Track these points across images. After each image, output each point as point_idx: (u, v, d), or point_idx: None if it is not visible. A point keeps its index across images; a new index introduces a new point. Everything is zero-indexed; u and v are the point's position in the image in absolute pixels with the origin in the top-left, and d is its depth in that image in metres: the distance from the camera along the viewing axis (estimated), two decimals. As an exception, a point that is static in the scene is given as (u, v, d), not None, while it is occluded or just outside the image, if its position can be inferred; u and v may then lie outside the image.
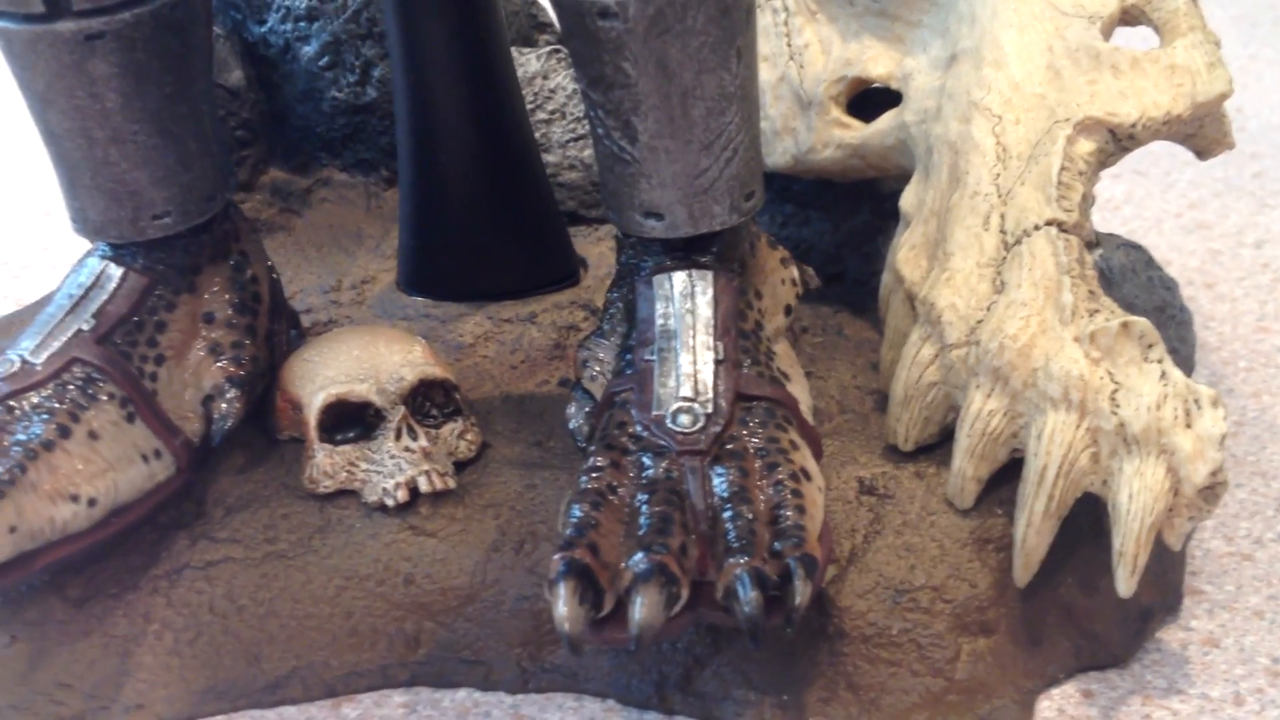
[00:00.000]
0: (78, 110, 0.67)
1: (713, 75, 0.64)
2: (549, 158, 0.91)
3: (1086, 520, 0.67)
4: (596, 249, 0.90)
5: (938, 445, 0.71)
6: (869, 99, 0.82)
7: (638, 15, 0.62)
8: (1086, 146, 0.69)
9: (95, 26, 0.64)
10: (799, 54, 0.83)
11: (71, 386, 0.67)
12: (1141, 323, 0.63)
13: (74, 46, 0.65)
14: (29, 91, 0.67)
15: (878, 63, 0.80)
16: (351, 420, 0.72)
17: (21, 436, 0.65)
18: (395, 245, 0.89)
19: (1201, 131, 0.71)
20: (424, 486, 0.70)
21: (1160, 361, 0.62)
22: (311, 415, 0.72)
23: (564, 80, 0.92)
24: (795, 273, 0.74)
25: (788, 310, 0.74)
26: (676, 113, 0.65)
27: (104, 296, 0.70)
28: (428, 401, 0.73)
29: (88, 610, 0.68)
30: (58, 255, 1.16)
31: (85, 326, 0.69)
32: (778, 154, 0.83)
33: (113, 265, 0.71)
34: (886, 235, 0.84)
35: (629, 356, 0.68)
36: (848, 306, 0.84)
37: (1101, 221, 1.11)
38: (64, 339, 0.69)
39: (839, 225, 0.86)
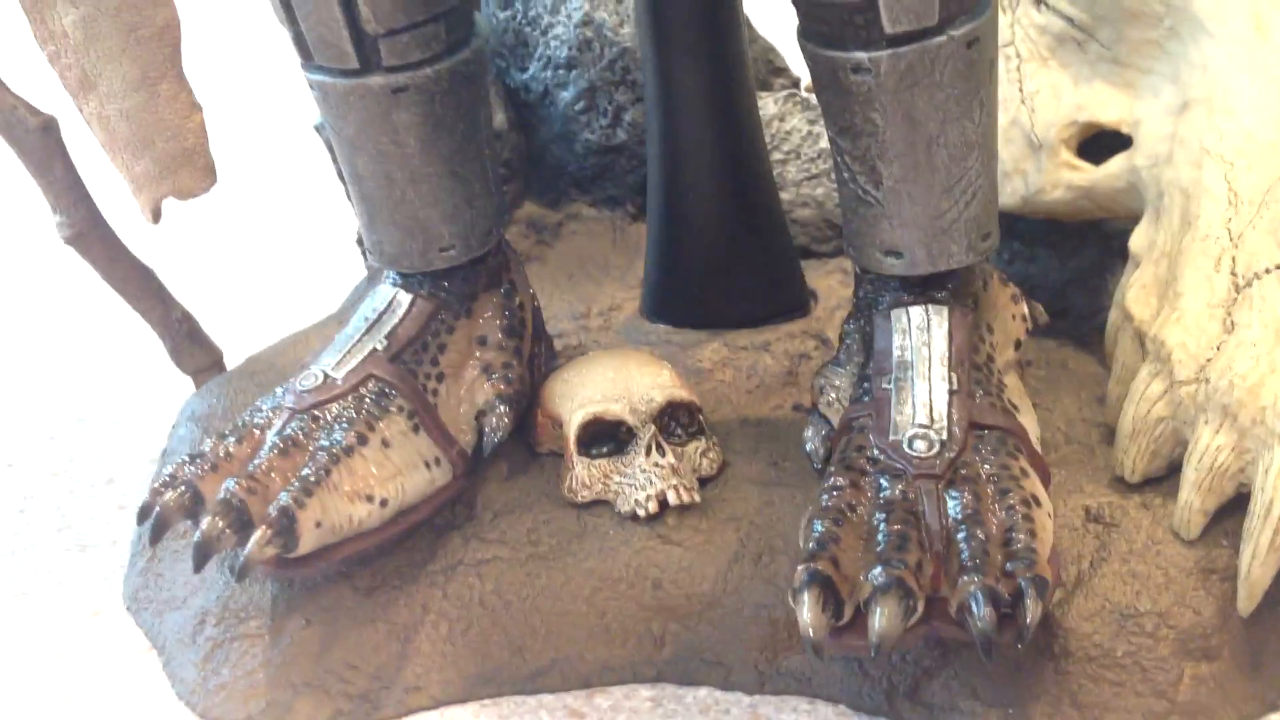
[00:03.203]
0: (382, 155, 0.75)
1: (956, 124, 0.69)
2: (784, 195, 0.96)
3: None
4: (826, 282, 0.95)
5: (1164, 478, 0.74)
6: (1097, 143, 0.85)
7: (889, 71, 0.67)
8: (1319, 193, 0.71)
9: (400, 81, 0.73)
10: (1030, 99, 0.86)
11: (367, 399, 0.76)
12: (1373, 365, 0.65)
13: (382, 98, 0.73)
14: (340, 137, 0.76)
15: (1109, 108, 0.83)
16: (606, 437, 0.79)
17: (325, 442, 0.74)
18: (639, 275, 0.96)
19: None
20: (672, 499, 0.76)
21: (1392, 403, 0.64)
22: (571, 431, 0.79)
23: (799, 122, 0.97)
24: (1025, 309, 0.78)
25: (1017, 344, 0.78)
26: (921, 159, 0.70)
27: (395, 320, 0.79)
28: (674, 421, 0.80)
29: (374, 599, 0.76)
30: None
31: (379, 346, 0.78)
32: (1007, 194, 0.87)
33: (403, 292, 0.80)
34: (1112, 272, 0.87)
35: (867, 385, 0.73)
36: (1073, 341, 0.87)
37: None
38: (361, 357, 0.77)
39: (1065, 262, 0.89)
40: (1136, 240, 0.79)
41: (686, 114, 0.89)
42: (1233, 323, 0.70)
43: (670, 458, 0.77)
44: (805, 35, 0.70)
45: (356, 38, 0.72)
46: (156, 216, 0.95)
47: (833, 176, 0.96)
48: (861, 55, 0.67)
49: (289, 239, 1.35)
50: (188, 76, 0.92)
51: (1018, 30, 0.87)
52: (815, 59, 0.70)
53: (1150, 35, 0.81)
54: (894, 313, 0.74)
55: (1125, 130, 0.83)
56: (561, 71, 1.00)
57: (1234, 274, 0.71)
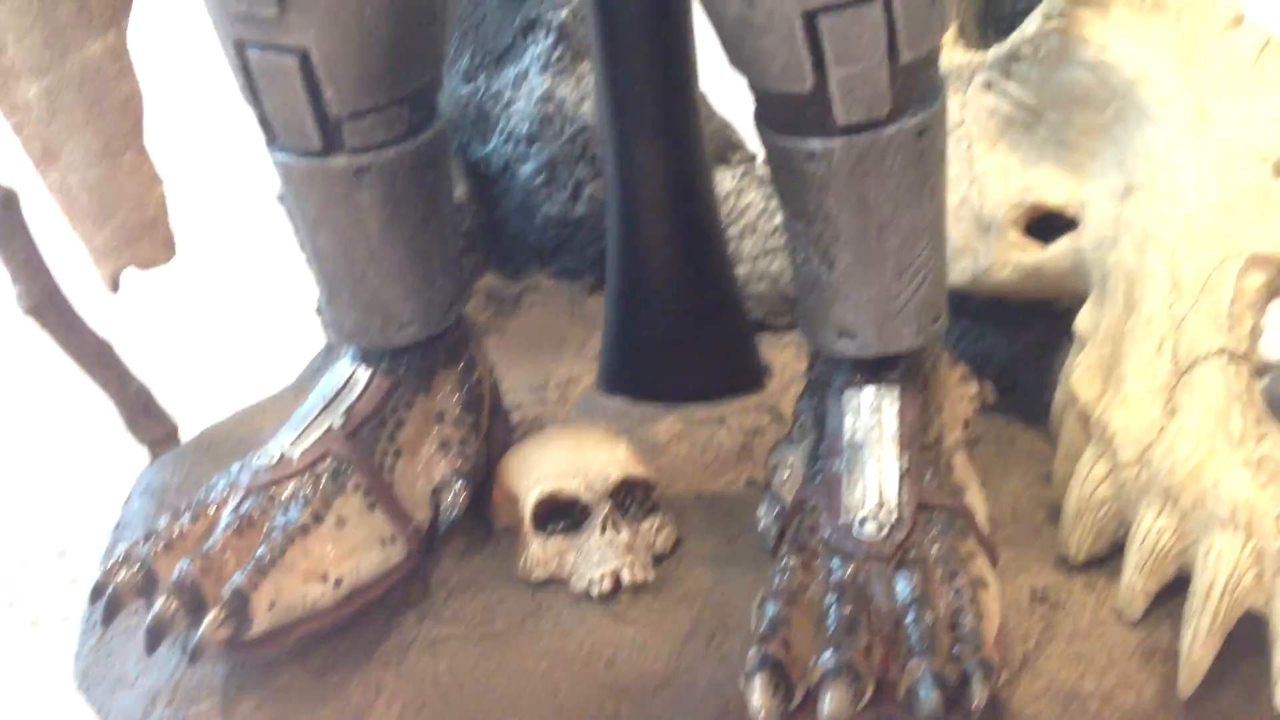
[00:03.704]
0: (343, 233, 0.76)
1: (907, 211, 0.71)
2: (740, 269, 0.98)
3: (1249, 636, 0.70)
4: (781, 356, 0.96)
5: (1108, 558, 0.75)
6: (1047, 222, 0.87)
7: (842, 159, 0.69)
8: (1256, 280, 0.73)
9: (363, 162, 0.74)
10: (980, 179, 0.88)
11: (323, 477, 0.76)
12: (1309, 452, 0.66)
13: (344, 179, 0.74)
14: (301, 215, 0.77)
15: (1056, 190, 0.85)
16: (562, 513, 0.79)
17: (280, 521, 0.74)
18: (597, 347, 0.97)
19: (1372, 267, 0.74)
20: (626, 578, 0.77)
21: (1327, 489, 0.66)
22: (527, 508, 0.79)
23: (756, 198, 0.99)
24: (973, 389, 0.80)
25: (966, 424, 0.79)
26: (873, 244, 0.71)
27: (353, 397, 0.79)
28: (629, 498, 0.80)
29: (326, 680, 0.76)
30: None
31: (337, 423, 0.78)
32: (957, 272, 0.89)
33: (361, 368, 0.80)
34: (1059, 351, 0.88)
35: (819, 465, 0.74)
36: (1021, 418, 0.89)
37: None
38: (318, 434, 0.78)
39: (1013, 340, 0.91)
40: (1082, 321, 0.80)
41: (643, 190, 0.90)
42: (1174, 407, 0.72)
43: (625, 535, 0.78)
44: (761, 120, 0.72)
45: (320, 119, 0.73)
46: (115, 286, 0.96)
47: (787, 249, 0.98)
48: (816, 143, 0.69)
49: (247, 308, 1.36)
50: (149, 148, 0.93)
51: (968, 112, 0.89)
52: (771, 145, 0.72)
53: (1096, 120, 0.83)
54: (846, 393, 0.75)
55: (1072, 212, 0.85)
56: (522, 146, 1.01)
57: (1175, 358, 0.73)
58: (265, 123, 0.74)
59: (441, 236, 0.79)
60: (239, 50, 0.71)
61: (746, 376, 0.94)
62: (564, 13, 0.99)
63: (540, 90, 1.00)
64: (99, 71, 0.90)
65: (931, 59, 0.69)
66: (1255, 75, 0.80)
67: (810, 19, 0.64)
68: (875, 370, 0.75)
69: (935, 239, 0.73)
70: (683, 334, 0.93)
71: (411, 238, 0.77)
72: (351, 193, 0.74)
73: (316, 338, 1.07)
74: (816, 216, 0.71)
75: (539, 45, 1.00)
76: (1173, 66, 0.81)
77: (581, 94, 0.99)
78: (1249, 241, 0.73)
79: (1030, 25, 0.85)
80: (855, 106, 0.67)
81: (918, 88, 0.68)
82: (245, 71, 0.72)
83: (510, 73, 1.02)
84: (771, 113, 0.70)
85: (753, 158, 1.04)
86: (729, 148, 1.03)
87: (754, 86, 0.70)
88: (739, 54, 0.68)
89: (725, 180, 1.00)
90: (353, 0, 0.69)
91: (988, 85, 0.88)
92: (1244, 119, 0.78)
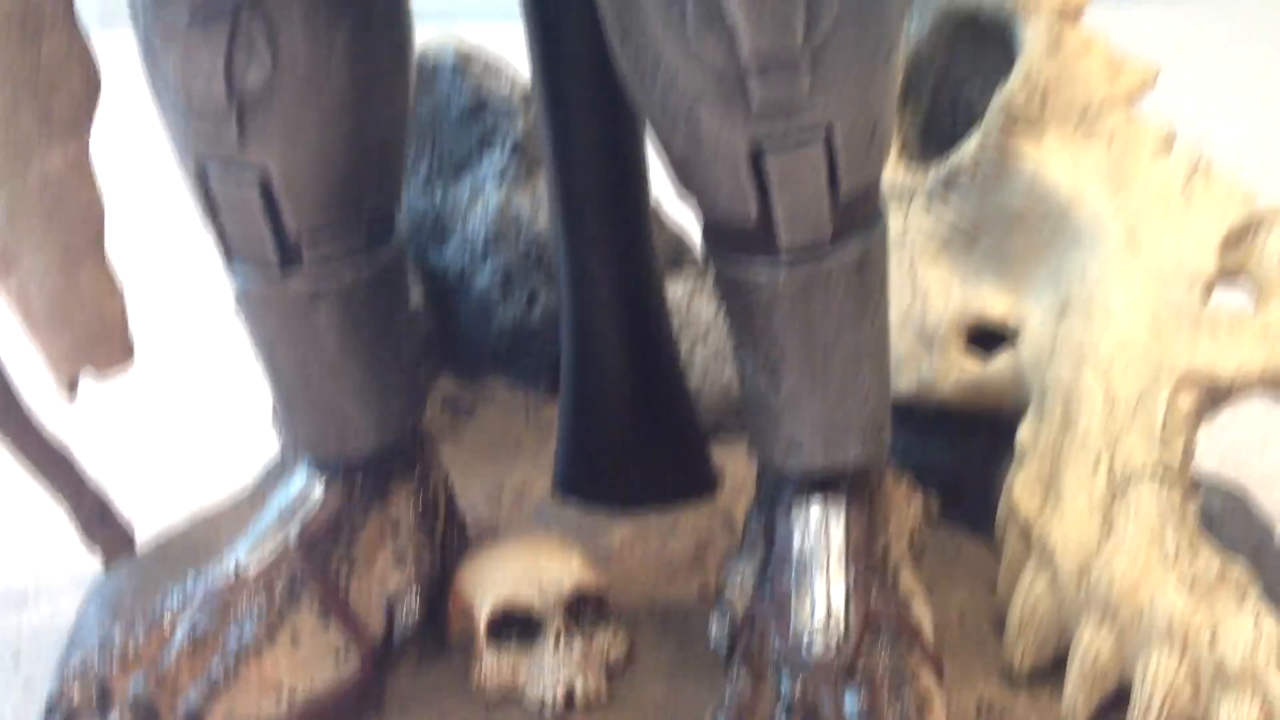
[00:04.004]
0: (300, 350, 0.77)
1: (850, 333, 0.73)
2: (692, 377, 1.00)
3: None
4: (733, 462, 0.98)
5: (1052, 671, 0.77)
6: (989, 334, 0.90)
7: (786, 284, 0.71)
8: (1188, 400, 0.76)
9: (320, 283, 0.75)
10: (923, 294, 0.91)
11: (278, 591, 0.77)
12: (1238, 570, 0.69)
13: (301, 299, 0.75)
14: (258, 333, 0.78)
15: (996, 305, 0.88)
16: (516, 623, 0.80)
17: (234, 635, 0.74)
18: (552, 453, 0.98)
19: (1296, 387, 0.77)
20: (579, 690, 0.78)
21: (1256, 606, 0.68)
22: (481, 620, 0.80)
23: (706, 307, 1.01)
24: (918, 502, 0.82)
25: (911, 536, 0.81)
26: (817, 365, 0.73)
27: (309, 509, 0.80)
28: (583, 608, 0.81)
29: (280, 791, 0.76)
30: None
31: (292, 535, 0.79)
32: (901, 384, 0.91)
33: (317, 479, 0.81)
34: (1004, 460, 0.90)
35: (768, 580, 0.76)
36: (966, 527, 0.91)
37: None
38: (273, 546, 0.78)
39: (958, 450, 0.93)
40: (1023, 435, 0.83)
41: (596, 299, 0.92)
42: (1111, 523, 0.74)
43: (578, 646, 0.79)
44: (708, 245, 0.74)
45: (278, 238, 0.74)
46: (73, 392, 0.96)
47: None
48: (761, 269, 0.71)
49: (203, 413, 1.36)
50: (110, 255, 0.94)
51: (910, 228, 0.92)
52: (718, 269, 0.74)
53: (1033, 240, 0.86)
54: (794, 508, 0.77)
55: (1012, 326, 0.87)
56: (479, 255, 1.03)
57: (1111, 476, 0.75)
58: (223, 240, 0.76)
59: (397, 351, 0.81)
60: (199, 168, 0.73)
61: (699, 483, 0.96)
62: (520, 128, 1.02)
63: (496, 202, 1.02)
64: (60, 181, 0.91)
65: (872, 189, 0.72)
66: (1184, 199, 0.83)
67: (754, 153, 0.67)
68: (822, 485, 0.77)
69: (878, 359, 0.75)
70: (636, 441, 0.95)
71: (368, 353, 0.79)
72: (308, 313, 0.76)
73: (273, 441, 1.08)
74: (763, 338, 0.73)
75: (496, 158, 1.03)
76: (1105, 190, 0.84)
77: (536, 206, 1.01)
78: (1180, 361, 0.76)
79: (968, 148, 0.88)
80: (798, 233, 0.69)
81: (859, 215, 0.71)
82: (205, 189, 0.73)
83: (467, 184, 1.05)
84: (718, 238, 0.73)
85: (704, 267, 1.06)
86: (681, 257, 1.06)
87: (701, 212, 0.73)
88: (687, 182, 0.71)
89: (677, 289, 1.02)
90: (313, 123, 0.71)
91: (929, 204, 0.91)
92: (1174, 242, 0.81)
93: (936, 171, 0.91)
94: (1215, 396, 0.76)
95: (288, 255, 0.75)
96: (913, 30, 0.97)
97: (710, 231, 0.73)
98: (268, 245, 0.74)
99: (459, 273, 1.05)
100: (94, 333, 0.94)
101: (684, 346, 1.01)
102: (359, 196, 0.75)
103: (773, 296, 0.71)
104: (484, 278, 1.03)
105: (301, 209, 0.73)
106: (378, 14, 0.73)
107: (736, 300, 0.73)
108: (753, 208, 0.69)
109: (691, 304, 1.02)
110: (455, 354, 1.08)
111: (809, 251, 0.70)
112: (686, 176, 0.71)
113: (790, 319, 0.72)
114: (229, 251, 0.76)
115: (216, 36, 0.67)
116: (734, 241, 0.72)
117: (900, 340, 0.91)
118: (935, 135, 0.98)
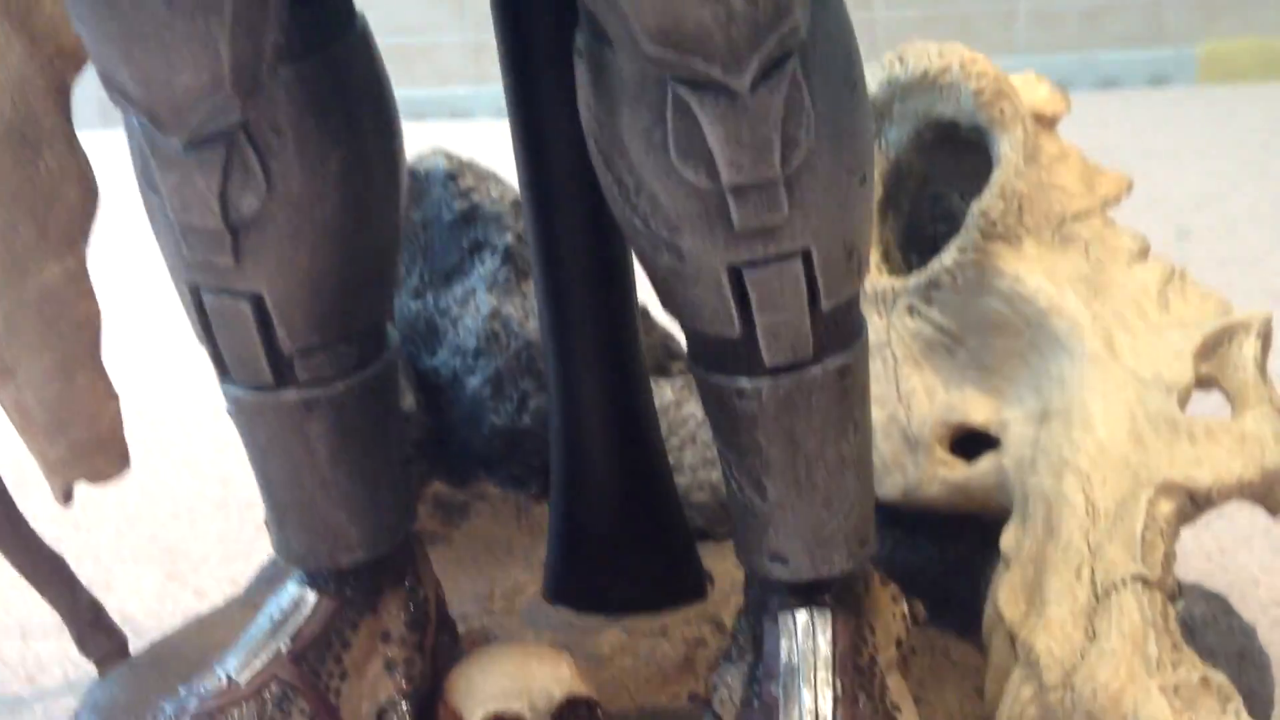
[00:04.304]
0: (292, 461, 0.79)
1: (834, 444, 0.74)
2: (681, 479, 1.01)
3: None
4: (722, 564, 0.99)
5: (1038, 778, 0.77)
6: (973, 438, 0.91)
7: (769, 398, 0.72)
8: (1167, 507, 0.77)
9: (313, 396, 0.77)
10: (906, 398, 0.93)
11: (269, 703, 0.77)
12: (1220, 678, 0.70)
13: (294, 412, 0.77)
14: (252, 445, 0.79)
15: (978, 410, 0.90)
16: (506, 733, 0.81)
17: (227, 749, 0.75)
18: (543, 556, 0.99)
19: (1272, 494, 0.78)
20: (569, 800, 0.78)
21: (1237, 715, 0.69)
22: (472, 729, 0.81)
23: (694, 409, 1.03)
24: (904, 608, 0.83)
25: (899, 643, 0.82)
26: (801, 476, 0.75)
27: (300, 620, 0.81)
28: (573, 716, 0.82)
29: None
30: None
31: (284, 647, 0.80)
32: (887, 487, 0.92)
33: (309, 591, 0.82)
34: (990, 562, 0.91)
35: (756, 688, 0.76)
36: (955, 629, 0.92)
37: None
38: (265, 658, 0.79)
39: (945, 552, 0.94)
40: (1006, 540, 0.84)
41: (586, 403, 0.93)
42: (1094, 631, 0.75)
43: (568, 756, 0.79)
44: (693, 359, 0.76)
45: (272, 357, 0.76)
46: (68, 499, 0.97)
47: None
48: (744, 383, 0.72)
49: (197, 518, 1.37)
50: (105, 363, 0.96)
51: (893, 334, 0.94)
52: (702, 382, 0.75)
53: (1013, 346, 0.88)
54: (781, 617, 0.78)
55: (994, 431, 0.89)
56: (470, 359, 1.05)
57: (1094, 584, 0.76)
58: (218, 359, 0.77)
59: (389, 461, 0.82)
60: (194, 294, 0.75)
61: (688, 586, 0.97)
62: (509, 236, 1.04)
63: (487, 308, 1.04)
64: (58, 293, 0.93)
65: (851, 304, 0.73)
66: (1159, 307, 0.85)
67: (735, 274, 0.68)
68: (808, 594, 0.78)
69: (861, 469, 0.77)
70: (625, 544, 0.95)
71: (360, 465, 0.80)
72: (301, 425, 0.77)
73: (267, 545, 1.09)
74: (747, 450, 0.75)
75: (486, 265, 1.05)
76: (1083, 298, 0.86)
77: (526, 311, 1.03)
78: (1159, 470, 0.78)
79: (948, 256, 0.90)
80: (780, 350, 0.71)
81: (839, 331, 0.73)
82: (200, 312, 0.75)
83: (458, 290, 1.07)
84: (702, 353, 0.74)
85: (690, 380, 1.08)
86: (668, 359, 1.08)
87: (685, 328, 0.74)
88: (670, 301, 0.72)
89: (665, 392, 1.04)
90: (305, 247, 0.73)
91: (911, 309, 0.93)
92: (1150, 350, 0.83)
93: (918, 278, 0.93)
94: (1194, 504, 0.77)
95: (281, 372, 0.76)
96: (893, 139, 0.99)
97: (694, 348, 0.75)
98: (261, 363, 0.76)
99: (450, 376, 1.06)
100: (90, 440, 0.95)
101: (672, 449, 1.02)
102: (352, 313, 0.77)
103: (756, 410, 0.73)
104: (475, 381, 1.05)
105: (294, 328, 0.75)
106: (370, 135, 0.75)
107: (721, 413, 0.75)
108: (735, 327, 0.71)
109: (679, 407, 1.03)
110: (446, 456, 1.09)
111: (791, 368, 0.71)
112: (670, 295, 0.72)
113: (774, 432, 0.73)
114: (222, 368, 0.78)
115: (212, 163, 0.69)
116: (718, 358, 0.73)
117: (885, 444, 0.92)
118: (917, 241, 1.00)
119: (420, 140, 1.07)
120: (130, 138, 0.73)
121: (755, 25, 0.62)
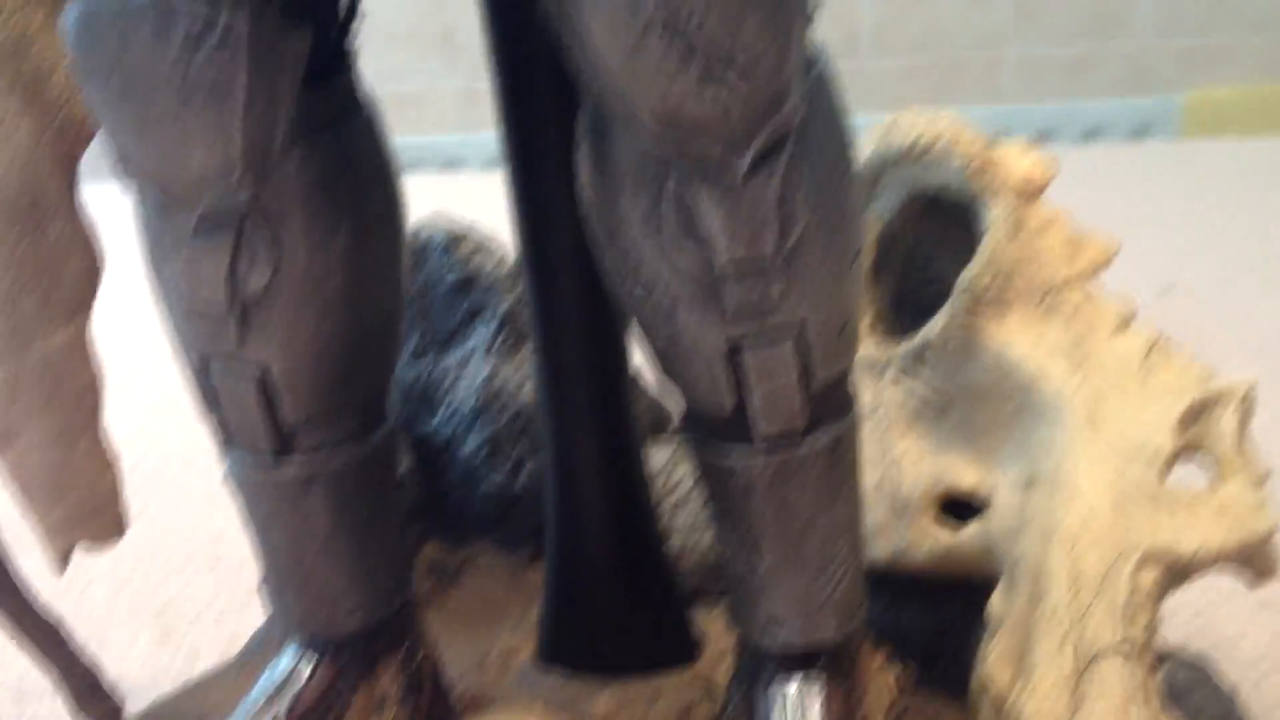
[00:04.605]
0: (293, 531, 0.80)
1: (826, 513, 0.76)
2: (673, 542, 1.02)
3: None
4: (715, 626, 1.00)
5: (1027, 844, 0.78)
6: (963, 501, 0.93)
7: (762, 470, 0.74)
8: (1149, 577, 0.79)
9: (314, 468, 0.78)
10: (896, 463, 0.94)
11: (267, 771, 0.78)
12: (1204, 748, 0.71)
13: (295, 484, 0.78)
14: (253, 515, 0.81)
15: (966, 475, 0.91)
16: (501, 799, 0.82)
17: (225, 817, 0.76)
18: (536, 619, 1.00)
19: (1251, 563, 0.80)
20: None
21: (1223, 785, 0.70)
22: (467, 795, 0.82)
23: (686, 473, 1.04)
24: (895, 673, 0.84)
25: (889, 708, 0.83)
26: (794, 546, 0.76)
27: (297, 687, 0.82)
28: (568, 782, 0.83)
29: None
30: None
31: (281, 713, 0.81)
32: (877, 551, 0.94)
33: (305, 658, 0.83)
34: (979, 626, 0.93)
35: (749, 757, 0.78)
36: (945, 691, 0.93)
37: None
38: (263, 726, 0.80)
39: (935, 615, 0.95)
40: (994, 607, 0.85)
41: (581, 468, 0.95)
42: (1080, 699, 0.76)
43: (563, 822, 0.80)
44: (686, 430, 0.77)
45: (275, 426, 0.77)
46: (64, 564, 0.98)
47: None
48: (738, 455, 0.74)
49: (189, 575, 1.38)
50: (105, 429, 0.97)
51: (883, 399, 0.96)
52: (697, 453, 0.77)
53: (1000, 413, 0.90)
54: (773, 685, 0.79)
55: (982, 496, 0.90)
56: (466, 423, 1.06)
57: (1079, 652, 0.78)
58: (221, 428, 0.79)
59: (388, 530, 0.83)
60: (200, 363, 0.76)
61: (681, 649, 0.98)
62: (507, 303, 1.06)
63: (484, 372, 1.05)
64: (60, 361, 0.94)
65: (843, 379, 0.75)
66: (1143, 376, 0.87)
67: (731, 354, 0.70)
68: (801, 662, 0.79)
69: (853, 537, 0.78)
70: (619, 606, 0.97)
71: (359, 534, 0.81)
72: (302, 497, 0.79)
73: (262, 610, 1.10)
74: (741, 520, 0.76)
75: (483, 331, 1.07)
76: (1067, 367, 0.88)
77: (523, 377, 1.05)
78: (1142, 539, 0.79)
79: (936, 326, 0.92)
80: (773, 424, 0.73)
81: (831, 404, 0.74)
82: (205, 383, 0.77)
83: (456, 354, 1.08)
84: (697, 424, 0.76)
85: (684, 449, 1.09)
86: (659, 423, 1.09)
87: (681, 400, 0.76)
88: (667, 373, 0.74)
89: (656, 456, 1.05)
90: (312, 320, 0.75)
91: (900, 376, 0.94)
92: (1133, 419, 0.85)
93: (908, 345, 0.95)
94: (1176, 573, 0.79)
95: (283, 443, 0.78)
96: (883, 207, 1.02)
97: (689, 418, 0.77)
98: (263, 435, 0.77)
99: (446, 440, 1.08)
100: (88, 506, 0.96)
101: (664, 512, 1.04)
102: (356, 383, 0.78)
103: (750, 482, 0.75)
104: (470, 445, 1.06)
105: (299, 400, 0.76)
106: (375, 212, 0.77)
107: (715, 484, 0.76)
108: (729, 400, 0.72)
109: (671, 471, 1.05)
110: (441, 518, 1.10)
111: (784, 440, 0.73)
112: (667, 368, 0.74)
113: (767, 503, 0.75)
114: (226, 439, 0.79)
115: (221, 245, 0.71)
116: (712, 428, 0.75)
117: (875, 509, 0.94)
118: (907, 308, 1.02)
119: (414, 191, 1.09)
120: (138, 213, 0.74)
121: (754, 111, 0.64)
